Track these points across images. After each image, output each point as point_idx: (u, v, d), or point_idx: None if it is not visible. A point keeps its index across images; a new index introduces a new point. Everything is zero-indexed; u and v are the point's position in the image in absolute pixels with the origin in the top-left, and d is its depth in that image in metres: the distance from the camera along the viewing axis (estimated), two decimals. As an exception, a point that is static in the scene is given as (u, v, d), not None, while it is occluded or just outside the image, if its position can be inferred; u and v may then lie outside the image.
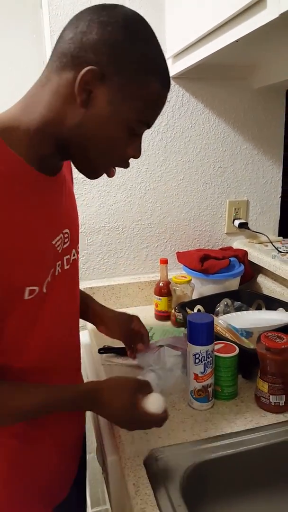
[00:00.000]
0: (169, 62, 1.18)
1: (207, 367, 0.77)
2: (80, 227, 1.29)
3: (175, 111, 1.27)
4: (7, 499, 0.64)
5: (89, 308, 0.89)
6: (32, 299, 0.57)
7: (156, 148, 1.29)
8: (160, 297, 1.22)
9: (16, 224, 0.53)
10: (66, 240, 0.66)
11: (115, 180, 1.27)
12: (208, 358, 0.76)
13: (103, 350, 1.02)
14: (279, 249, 1.28)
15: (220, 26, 0.87)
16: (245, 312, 1.07)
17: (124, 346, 0.93)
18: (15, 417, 0.60)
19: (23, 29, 1.39)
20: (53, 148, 0.58)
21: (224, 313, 1.08)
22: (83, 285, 1.29)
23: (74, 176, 1.23)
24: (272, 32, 0.81)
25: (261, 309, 1.12)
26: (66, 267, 0.67)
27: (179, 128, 1.30)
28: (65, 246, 0.66)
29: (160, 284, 1.22)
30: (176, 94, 1.26)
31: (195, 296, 1.21)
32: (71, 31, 0.55)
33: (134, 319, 0.90)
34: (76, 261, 0.71)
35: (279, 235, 1.46)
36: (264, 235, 1.39)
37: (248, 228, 1.40)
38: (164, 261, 1.22)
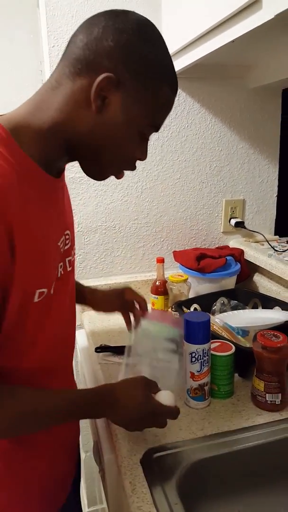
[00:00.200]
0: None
1: (203, 365, 0.77)
2: (77, 227, 1.30)
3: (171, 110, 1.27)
4: (7, 502, 0.64)
5: (81, 291, 0.90)
6: (40, 301, 0.57)
7: (152, 147, 1.29)
8: (156, 296, 1.22)
9: (31, 226, 0.54)
10: (67, 242, 0.67)
11: (112, 179, 1.26)
12: (205, 356, 0.77)
13: (100, 349, 1.02)
14: (275, 248, 1.29)
15: (216, 26, 0.87)
16: (241, 311, 1.08)
17: (121, 345, 0.93)
18: (44, 423, 0.60)
19: (20, 29, 1.39)
20: (62, 151, 0.59)
21: (220, 312, 1.09)
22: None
23: (71, 176, 1.24)
24: (268, 32, 0.82)
25: (257, 308, 1.13)
26: (68, 269, 0.67)
27: (176, 128, 1.30)
28: (66, 247, 0.66)
29: (157, 283, 1.23)
30: (172, 94, 1.26)
31: (191, 295, 1.21)
32: (85, 36, 0.55)
33: (126, 290, 0.90)
34: (74, 262, 0.72)
35: (275, 234, 1.47)
36: (260, 234, 1.39)
37: (244, 227, 1.41)
38: (161, 260, 1.23)
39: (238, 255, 1.31)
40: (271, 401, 0.77)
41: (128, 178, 1.28)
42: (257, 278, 1.34)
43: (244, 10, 0.77)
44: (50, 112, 0.56)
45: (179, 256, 1.31)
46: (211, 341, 0.79)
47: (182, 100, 1.28)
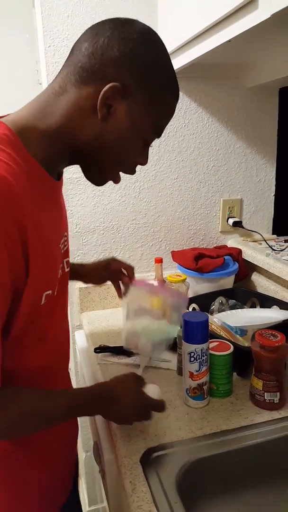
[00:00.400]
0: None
1: (202, 365, 0.77)
2: (75, 227, 1.30)
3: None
4: (8, 503, 0.64)
5: (71, 269, 0.92)
6: (46, 303, 0.58)
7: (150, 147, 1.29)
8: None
9: (41, 229, 0.54)
10: (65, 243, 0.68)
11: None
12: (203, 356, 0.77)
13: (99, 350, 1.02)
14: (273, 247, 1.29)
15: (212, 26, 0.88)
16: (239, 310, 1.08)
17: (120, 345, 0.94)
18: (44, 423, 0.60)
19: (16, 29, 1.39)
20: (65, 155, 0.60)
21: (218, 312, 1.09)
22: (79, 284, 1.29)
23: (68, 176, 1.24)
24: (264, 32, 0.82)
25: (255, 307, 1.13)
26: (66, 270, 0.69)
27: (173, 127, 1.30)
28: (65, 248, 0.68)
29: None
30: (169, 93, 1.26)
31: (190, 294, 1.21)
32: (90, 45, 0.56)
33: (111, 261, 0.94)
34: (69, 263, 0.73)
35: (273, 233, 1.47)
36: (258, 233, 1.40)
37: (242, 227, 1.41)
38: (159, 260, 1.23)
39: (236, 254, 1.31)
40: (269, 400, 0.78)
41: (125, 178, 1.27)
42: (255, 277, 1.34)
43: (240, 9, 0.77)
44: (55, 117, 0.56)
45: (177, 256, 1.32)
46: (210, 340, 0.80)
47: (179, 100, 1.28)
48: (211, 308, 1.12)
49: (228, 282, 1.25)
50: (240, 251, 1.33)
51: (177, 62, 1.12)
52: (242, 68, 1.28)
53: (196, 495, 0.67)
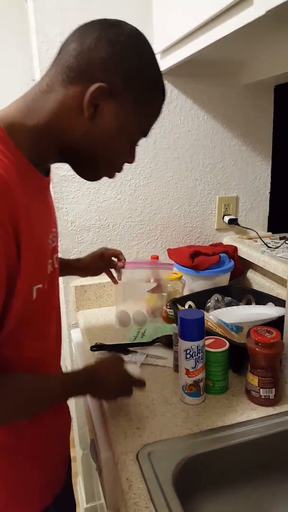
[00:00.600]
0: (157, 58, 1.18)
1: (198, 362, 0.78)
2: (70, 225, 1.30)
3: (163, 108, 1.27)
4: (6, 495, 0.65)
5: (65, 263, 0.97)
6: (37, 299, 0.59)
7: (145, 145, 1.28)
8: (151, 294, 1.22)
9: (32, 224, 0.55)
10: (54, 239, 0.69)
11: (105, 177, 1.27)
12: (199, 353, 0.77)
13: (95, 348, 1.02)
14: (268, 245, 1.30)
15: (207, 23, 0.88)
16: (235, 307, 1.08)
17: (117, 343, 0.94)
18: (40, 407, 0.63)
19: (8, 26, 1.37)
20: (53, 152, 0.61)
21: (214, 309, 1.09)
22: (74, 283, 1.29)
23: (63, 174, 1.23)
24: (259, 29, 0.82)
25: (251, 304, 1.14)
26: (56, 266, 0.70)
27: (168, 125, 1.30)
28: (54, 244, 0.68)
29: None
30: (165, 91, 1.26)
31: (186, 292, 1.21)
32: (78, 45, 0.56)
33: (103, 251, 1.00)
34: (58, 259, 0.74)
35: (268, 231, 1.48)
36: (254, 230, 1.40)
37: (238, 224, 1.41)
38: (155, 258, 1.23)
39: (231, 252, 1.31)
40: (265, 396, 0.78)
41: (121, 176, 1.28)
42: (251, 274, 1.35)
43: (235, 6, 0.77)
44: (42, 115, 0.57)
45: (173, 253, 1.32)
46: (206, 337, 0.80)
47: (175, 97, 1.28)
48: (207, 305, 1.12)
49: (223, 279, 1.26)
50: (235, 249, 1.34)
51: (173, 59, 1.11)
52: (238, 65, 1.28)
53: (193, 491, 0.68)
